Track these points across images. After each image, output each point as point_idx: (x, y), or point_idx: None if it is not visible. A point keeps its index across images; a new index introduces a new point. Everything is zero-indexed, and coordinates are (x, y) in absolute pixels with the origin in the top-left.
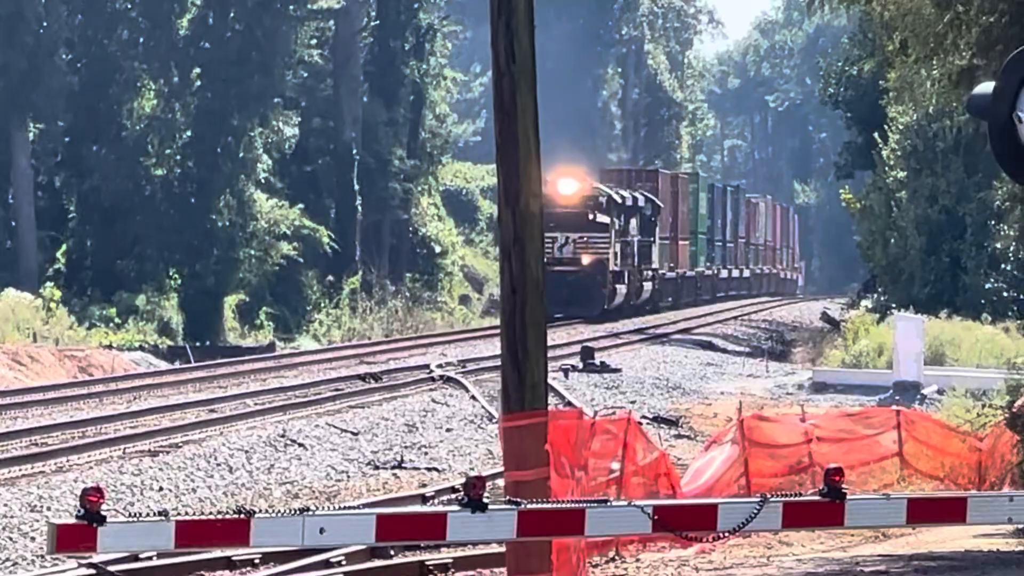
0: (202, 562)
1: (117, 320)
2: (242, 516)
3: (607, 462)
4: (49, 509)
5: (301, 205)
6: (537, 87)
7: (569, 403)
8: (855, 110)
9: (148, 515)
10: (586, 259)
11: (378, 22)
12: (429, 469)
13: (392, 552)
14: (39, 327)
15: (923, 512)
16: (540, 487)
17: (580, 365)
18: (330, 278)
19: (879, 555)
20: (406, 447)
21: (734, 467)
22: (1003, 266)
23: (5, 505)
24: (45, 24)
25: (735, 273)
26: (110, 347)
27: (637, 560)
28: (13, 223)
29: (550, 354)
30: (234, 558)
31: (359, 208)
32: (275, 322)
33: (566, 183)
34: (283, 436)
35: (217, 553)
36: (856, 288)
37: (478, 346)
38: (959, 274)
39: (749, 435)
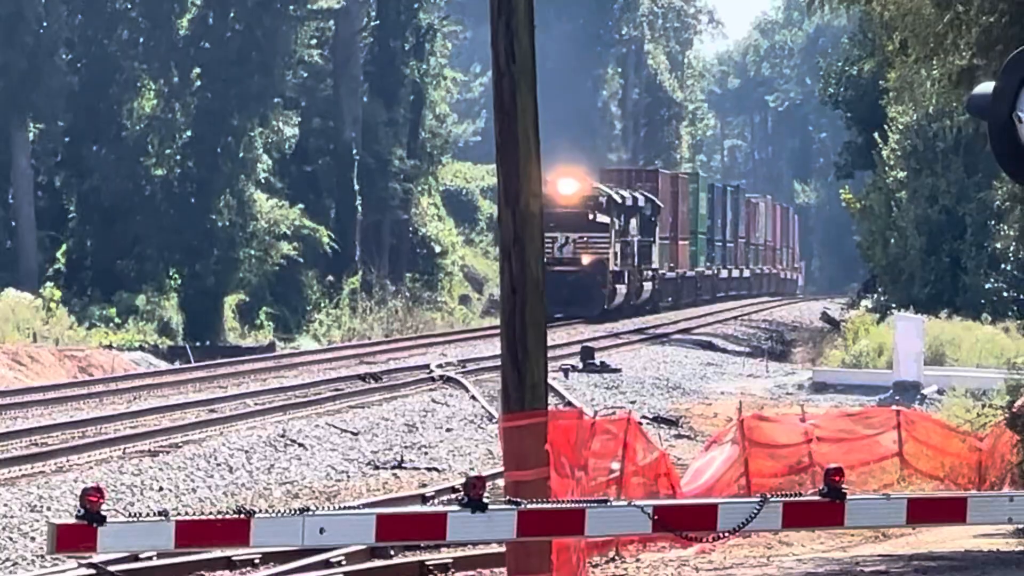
0: (202, 562)
1: (117, 320)
2: (242, 516)
3: (607, 462)
4: (49, 509)
5: (301, 205)
6: (537, 87)
7: (569, 403)
8: (855, 110)
9: (148, 515)
10: (586, 259)
11: (378, 22)
12: (429, 469)
13: (392, 552)
14: (39, 327)
15: (923, 512)
16: (540, 487)
17: (580, 365)
18: (330, 278)
19: (879, 555)
20: (406, 447)
21: (734, 467)
22: (1003, 266)
23: (5, 505)
24: (45, 24)
25: (735, 273)
26: (110, 347)
27: (637, 560)
28: (13, 223)
29: (550, 354)
30: (234, 558)
31: (359, 208)
32: (275, 322)
33: (566, 183)
34: (283, 436)
35: (217, 553)
36: (856, 288)
37: (478, 346)
38: (959, 274)
39: (749, 435)
